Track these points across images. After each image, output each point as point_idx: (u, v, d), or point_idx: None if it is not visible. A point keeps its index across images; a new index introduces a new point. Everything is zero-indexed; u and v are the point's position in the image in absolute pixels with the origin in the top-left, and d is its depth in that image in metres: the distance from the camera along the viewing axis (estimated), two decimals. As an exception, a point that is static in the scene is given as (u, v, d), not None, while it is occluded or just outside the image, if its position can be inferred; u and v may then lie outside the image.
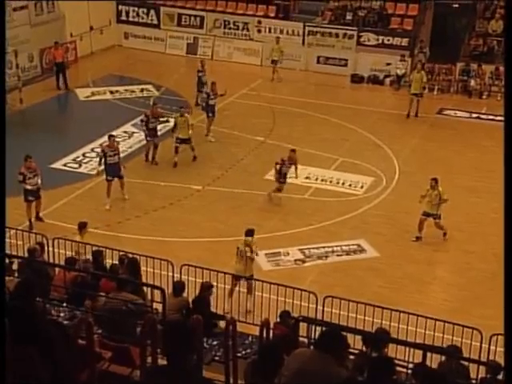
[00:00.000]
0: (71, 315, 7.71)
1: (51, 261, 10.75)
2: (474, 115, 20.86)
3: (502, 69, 22.11)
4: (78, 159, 17.29)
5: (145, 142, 17.42)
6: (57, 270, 9.84)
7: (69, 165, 16.95)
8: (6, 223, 6.72)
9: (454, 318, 10.01)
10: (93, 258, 10.25)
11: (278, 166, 15.35)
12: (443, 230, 13.71)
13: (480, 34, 23.67)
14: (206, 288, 9.69)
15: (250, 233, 11.58)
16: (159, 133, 17.50)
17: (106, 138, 18.09)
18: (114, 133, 17.19)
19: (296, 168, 15.55)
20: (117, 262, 10.00)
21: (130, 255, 10.26)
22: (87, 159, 17.32)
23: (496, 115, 20.71)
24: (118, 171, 14.98)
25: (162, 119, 18.10)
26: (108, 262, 10.47)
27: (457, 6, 24.95)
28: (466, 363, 7.77)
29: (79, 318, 6.78)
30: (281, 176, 15.34)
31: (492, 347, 9.20)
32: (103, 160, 14.94)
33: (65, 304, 8.15)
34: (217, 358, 7.87)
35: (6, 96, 18.93)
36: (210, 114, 18.60)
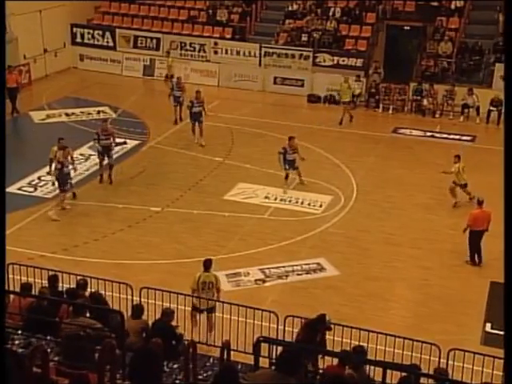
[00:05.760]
0: (26, 343, 7.49)
1: (5, 287, 10.46)
2: (428, 134, 21.31)
3: (456, 89, 22.66)
4: (34, 182, 16.96)
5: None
6: (11, 296, 9.57)
7: (24, 188, 16.62)
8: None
9: (413, 334, 10.11)
10: (48, 284, 10.02)
11: (281, 156, 16.58)
12: (470, 196, 16.04)
13: (431, 56, 24.28)
14: (167, 314, 9.54)
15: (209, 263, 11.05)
16: (116, 155, 17.46)
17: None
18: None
19: (298, 154, 16.74)
20: (73, 287, 9.80)
21: (88, 279, 10.11)
22: (43, 182, 17.00)
23: (449, 133, 21.26)
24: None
25: (119, 141, 18.08)
26: (66, 286, 10.27)
27: (408, 28, 25.63)
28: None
29: (34, 345, 6.60)
30: (285, 162, 16.60)
31: (450, 362, 9.32)
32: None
33: (20, 332, 7.92)
34: (177, 382, 7.74)
35: (5, 96, 18.52)
36: (197, 122, 19.49)
